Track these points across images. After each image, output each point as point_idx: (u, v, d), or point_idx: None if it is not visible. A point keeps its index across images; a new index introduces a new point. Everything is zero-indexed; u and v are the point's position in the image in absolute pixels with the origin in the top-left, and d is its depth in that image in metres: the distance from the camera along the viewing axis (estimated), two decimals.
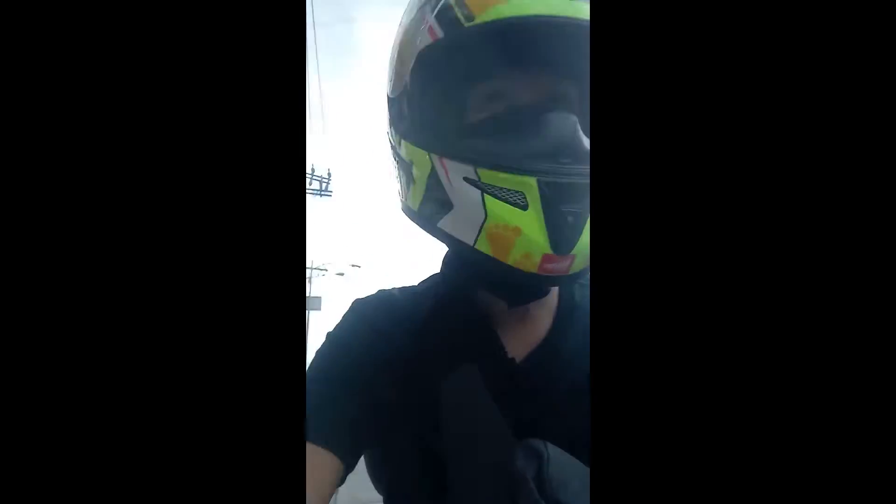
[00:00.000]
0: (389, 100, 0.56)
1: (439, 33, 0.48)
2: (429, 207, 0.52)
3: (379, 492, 0.58)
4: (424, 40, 0.49)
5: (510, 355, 0.53)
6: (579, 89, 0.52)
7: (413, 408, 0.52)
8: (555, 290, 0.57)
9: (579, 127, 0.47)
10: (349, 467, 0.50)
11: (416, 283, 0.63)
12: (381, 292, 0.62)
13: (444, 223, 0.50)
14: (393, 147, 0.57)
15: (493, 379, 0.50)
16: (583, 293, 0.58)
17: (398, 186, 0.58)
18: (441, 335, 0.54)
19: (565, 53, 0.48)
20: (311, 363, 0.54)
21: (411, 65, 0.51)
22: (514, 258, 0.46)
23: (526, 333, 0.55)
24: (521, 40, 0.47)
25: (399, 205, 0.58)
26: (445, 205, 0.49)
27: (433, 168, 0.49)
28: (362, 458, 0.55)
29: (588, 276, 0.50)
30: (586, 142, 0.47)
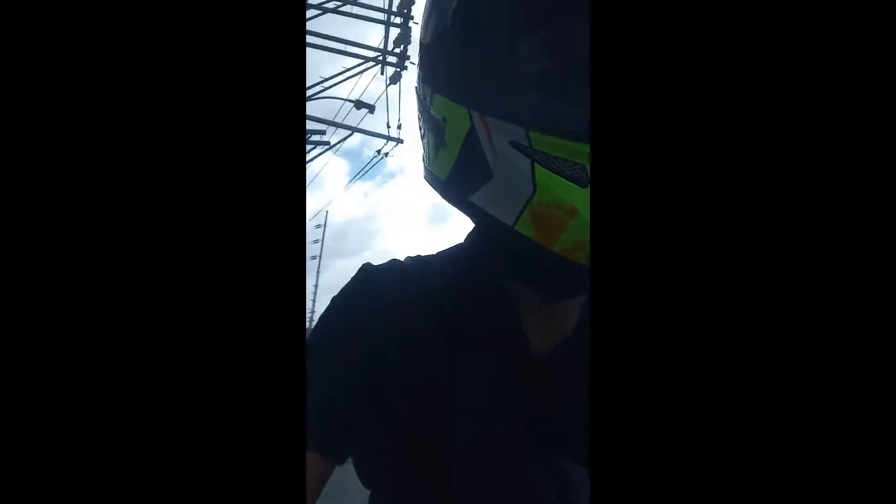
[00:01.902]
0: (424, 46, 0.48)
1: None
2: (461, 177, 0.43)
3: (368, 487, 0.53)
4: None
5: (535, 349, 0.47)
6: None
7: (419, 396, 0.47)
8: None
9: None
10: (339, 462, 0.46)
11: (432, 253, 0.56)
12: (395, 262, 0.55)
13: (480, 197, 0.42)
14: (422, 102, 0.48)
15: (514, 374, 0.45)
16: None
17: (424, 151, 0.50)
18: (458, 316, 0.48)
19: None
20: (310, 335, 0.49)
21: (455, 2, 0.42)
22: (563, 245, 0.38)
23: (553, 327, 0.49)
24: None
25: (423, 172, 0.50)
26: (483, 174, 0.41)
27: (472, 128, 0.41)
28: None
29: None
30: None
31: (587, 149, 0.36)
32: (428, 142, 0.48)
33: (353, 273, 0.54)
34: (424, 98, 0.47)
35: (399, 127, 8.29)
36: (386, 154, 8.39)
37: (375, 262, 0.54)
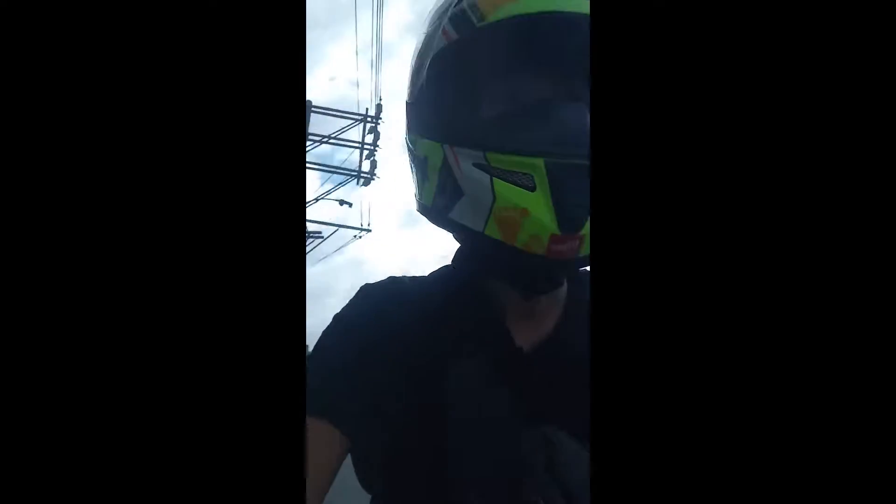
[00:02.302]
0: (408, 106, 0.59)
1: (453, 35, 0.51)
2: (441, 199, 0.53)
3: (367, 488, 0.55)
4: (440, 43, 0.52)
5: (518, 344, 0.53)
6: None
7: (416, 392, 0.51)
8: (564, 287, 0.57)
9: (589, 116, 0.47)
10: (353, 441, 0.50)
11: (426, 274, 0.63)
12: (391, 278, 0.62)
13: (456, 212, 0.51)
14: (410, 150, 0.59)
15: (501, 367, 0.50)
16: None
17: (414, 188, 0.60)
18: (449, 323, 0.54)
19: (577, 49, 0.48)
20: (317, 342, 0.55)
21: (428, 65, 0.53)
22: (522, 240, 0.47)
23: (535, 325, 0.55)
24: (532, 37, 0.49)
25: (416, 206, 0.60)
26: (455, 194, 0.51)
27: (444, 158, 0.51)
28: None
29: None
30: None
31: (531, 160, 0.46)
32: (416, 179, 0.58)
33: None
34: (411, 145, 0.58)
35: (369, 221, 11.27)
36: (359, 237, 11.29)
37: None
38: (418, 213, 0.59)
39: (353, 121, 10.71)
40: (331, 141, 10.72)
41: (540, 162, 0.45)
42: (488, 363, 0.50)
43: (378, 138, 10.75)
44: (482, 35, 0.49)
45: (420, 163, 0.56)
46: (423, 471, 0.48)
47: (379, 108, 10.76)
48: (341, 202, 10.81)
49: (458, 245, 0.60)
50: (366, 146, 10.75)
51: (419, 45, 0.57)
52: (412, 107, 0.58)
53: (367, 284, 0.60)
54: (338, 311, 0.58)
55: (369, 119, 10.66)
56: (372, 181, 10.96)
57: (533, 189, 0.46)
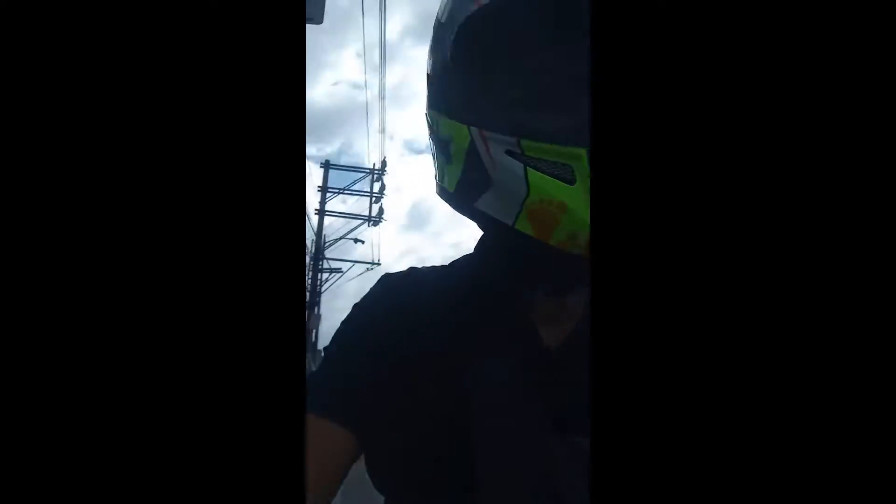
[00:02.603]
0: (429, 78, 0.54)
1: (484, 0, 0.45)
2: (466, 186, 0.48)
3: (381, 490, 0.51)
4: (468, 6, 0.46)
5: (546, 343, 0.49)
6: None
7: (439, 391, 0.48)
8: None
9: None
10: (358, 433, 0.47)
11: (447, 263, 0.60)
12: (412, 269, 0.59)
13: (483, 202, 0.47)
14: (431, 127, 0.54)
15: (530, 368, 0.47)
16: None
17: (435, 170, 0.55)
18: (473, 318, 0.51)
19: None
20: (335, 333, 0.53)
21: (453, 36, 0.48)
22: (557, 238, 0.42)
23: (562, 323, 0.51)
24: (571, 4, 0.43)
25: (435, 188, 0.55)
26: (484, 182, 0.46)
27: (472, 142, 0.46)
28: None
29: None
30: None
31: (572, 150, 0.41)
32: (437, 161, 0.54)
33: None
34: (432, 123, 0.53)
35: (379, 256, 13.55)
36: (370, 269, 13.55)
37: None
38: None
39: (363, 173, 13.23)
40: (345, 192, 13.24)
41: (582, 152, 0.41)
42: (517, 363, 0.47)
43: (384, 188, 13.16)
44: (517, 1, 0.44)
45: (442, 144, 0.51)
46: (445, 474, 0.45)
47: (384, 163, 13.26)
48: (355, 241, 13.11)
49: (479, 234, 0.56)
50: (374, 194, 13.14)
51: (443, 9, 0.51)
52: (432, 80, 0.52)
53: (387, 274, 0.58)
54: (358, 301, 0.55)
55: (376, 172, 13.11)
56: (380, 223, 13.21)
57: (573, 182, 0.41)
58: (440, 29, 0.51)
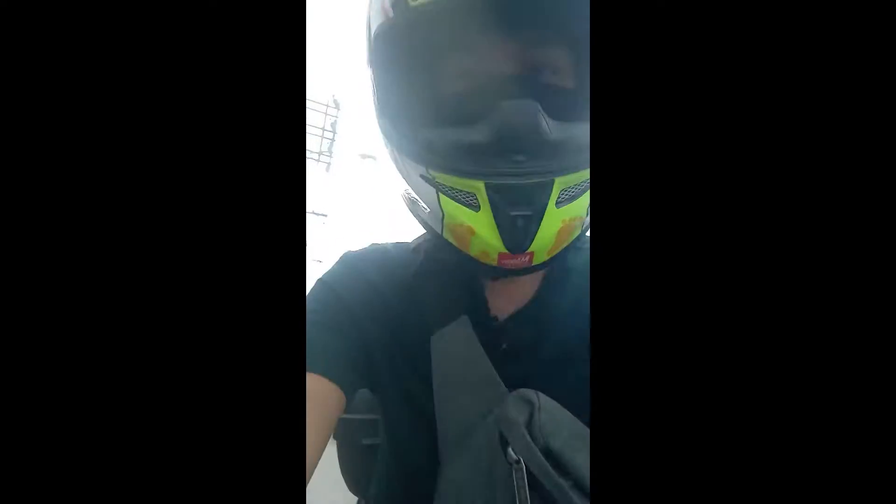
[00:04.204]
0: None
1: (389, 12, 0.44)
2: (410, 192, 0.50)
3: (354, 489, 0.56)
4: (377, 19, 0.46)
5: (493, 313, 0.53)
6: (569, 52, 0.46)
7: (401, 359, 0.52)
8: None
9: (542, 114, 0.41)
10: (349, 399, 0.49)
11: (408, 241, 0.63)
12: (374, 245, 0.61)
13: (418, 209, 0.50)
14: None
15: (481, 334, 0.50)
16: (577, 256, 0.56)
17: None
18: (429, 290, 0.54)
19: (539, 13, 0.43)
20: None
21: (369, 49, 0.48)
22: (474, 252, 0.45)
23: (513, 291, 0.54)
24: (477, 7, 0.42)
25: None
26: (416, 197, 0.48)
27: (398, 162, 0.48)
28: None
29: (584, 240, 0.49)
30: (556, 129, 0.41)
31: (472, 182, 0.42)
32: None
33: None
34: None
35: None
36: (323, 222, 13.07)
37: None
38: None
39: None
40: None
41: (480, 184, 0.42)
42: (470, 329, 0.50)
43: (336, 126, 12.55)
44: (419, 15, 0.42)
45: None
46: (413, 439, 0.50)
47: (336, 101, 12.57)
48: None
49: None
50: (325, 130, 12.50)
51: (366, 17, 0.50)
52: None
53: (349, 252, 0.59)
54: (321, 276, 0.56)
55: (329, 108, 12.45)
56: (330, 165, 12.67)
57: (477, 209, 0.43)
58: (366, 36, 0.50)
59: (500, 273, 0.47)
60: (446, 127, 0.44)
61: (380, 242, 0.62)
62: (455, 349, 0.50)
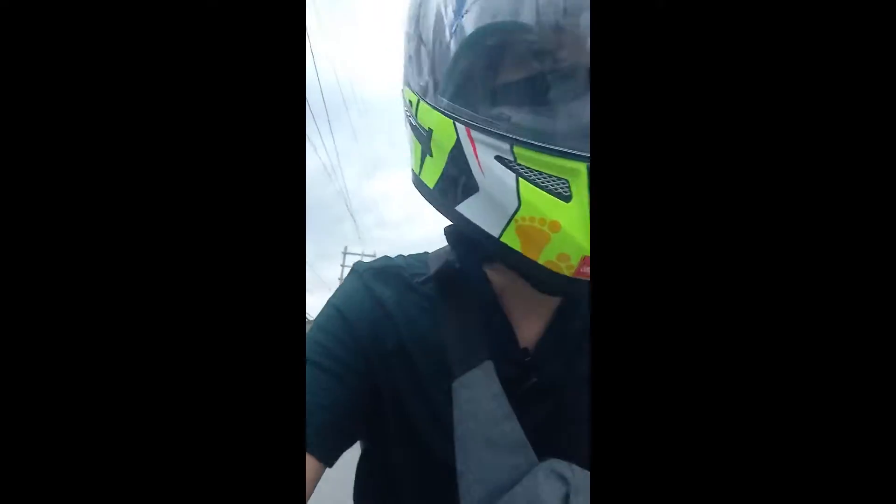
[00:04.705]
0: (406, 51, 0.48)
1: None
2: (448, 185, 0.43)
3: None
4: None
5: (522, 345, 0.48)
6: None
7: (415, 404, 0.47)
8: None
9: None
10: (329, 466, 0.45)
11: (422, 252, 0.57)
12: (386, 260, 0.55)
13: (466, 207, 0.42)
14: (407, 108, 0.48)
15: (507, 374, 0.46)
16: None
17: (410, 156, 0.50)
18: (449, 321, 0.49)
19: None
20: (313, 337, 0.48)
21: (471, 29, 0.41)
22: (546, 258, 0.38)
23: (534, 313, 0.50)
24: None
25: (410, 175, 0.50)
26: (469, 186, 0.41)
27: (458, 141, 0.41)
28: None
29: None
30: None
31: (570, 164, 0.36)
32: (414, 147, 0.48)
33: None
34: (410, 104, 0.47)
35: None
36: None
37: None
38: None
39: None
40: None
41: (582, 167, 0.36)
42: (494, 372, 0.45)
43: None
44: None
45: (422, 133, 0.45)
46: (429, 488, 0.46)
47: None
48: None
49: None
50: None
51: None
52: (414, 56, 0.46)
53: (359, 263, 0.54)
54: (332, 294, 0.52)
55: None
56: None
57: (569, 199, 0.37)
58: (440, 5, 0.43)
59: (564, 287, 0.42)
60: (534, 100, 0.39)
61: (393, 256, 0.57)
62: (481, 405, 0.45)
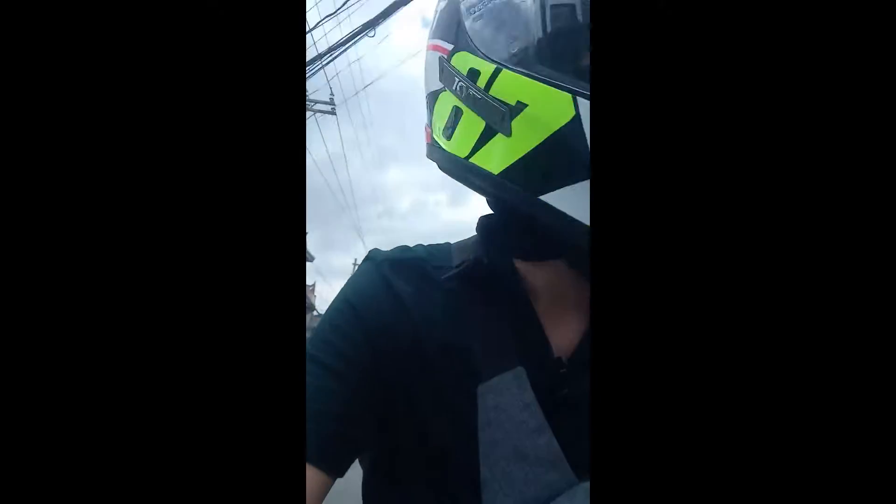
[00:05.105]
0: (471, 7, 0.42)
1: None
2: (533, 170, 0.37)
3: None
4: None
5: (556, 354, 0.44)
6: None
7: (433, 409, 0.43)
8: None
9: None
10: (340, 475, 0.42)
11: (444, 243, 0.52)
12: (404, 249, 0.50)
13: (559, 197, 0.36)
14: (466, 83, 0.41)
15: (538, 383, 0.41)
16: None
17: (457, 136, 0.42)
18: (474, 319, 0.44)
19: None
20: (315, 335, 0.45)
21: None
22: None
23: (571, 319, 0.45)
24: None
25: (447, 159, 0.44)
26: (574, 171, 0.35)
27: (576, 117, 0.35)
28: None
29: None
30: None
31: None
32: (466, 126, 0.42)
33: None
34: (475, 73, 0.40)
35: None
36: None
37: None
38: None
39: None
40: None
41: None
42: (526, 380, 0.41)
43: None
44: None
45: (496, 108, 0.38)
46: (447, 497, 0.41)
47: None
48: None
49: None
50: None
51: None
52: (491, 12, 0.40)
53: (375, 250, 0.49)
54: (345, 287, 0.48)
55: None
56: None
57: None
58: None
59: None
60: None
61: (411, 246, 0.52)
62: (510, 413, 0.41)
